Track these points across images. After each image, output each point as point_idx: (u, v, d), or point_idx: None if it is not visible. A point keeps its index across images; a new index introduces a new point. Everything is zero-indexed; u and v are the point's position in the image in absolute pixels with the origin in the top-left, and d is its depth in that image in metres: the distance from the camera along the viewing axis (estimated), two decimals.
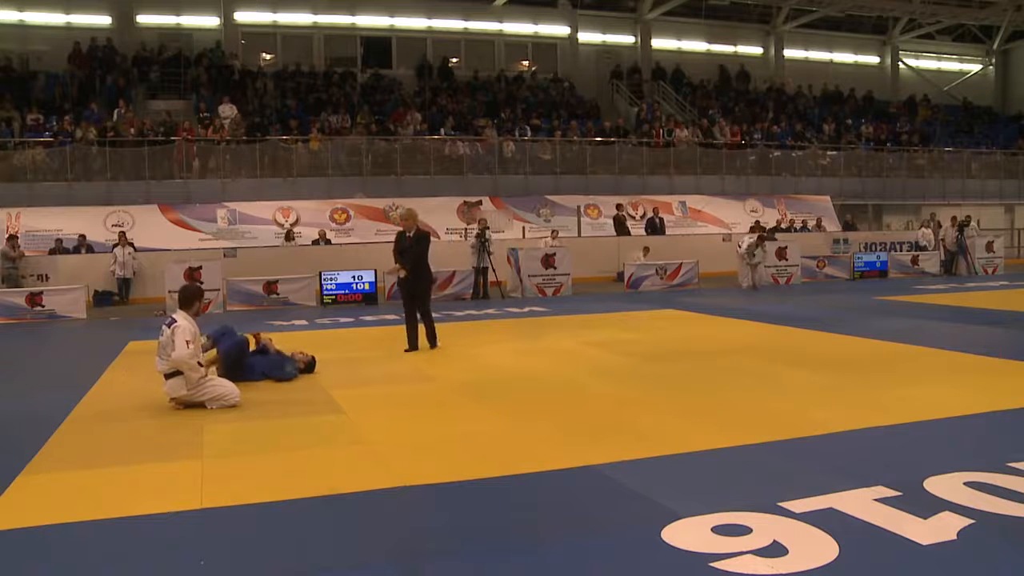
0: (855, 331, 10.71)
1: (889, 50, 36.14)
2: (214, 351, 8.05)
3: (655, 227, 22.45)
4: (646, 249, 19.78)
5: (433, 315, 10.21)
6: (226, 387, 7.18)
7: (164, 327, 7.18)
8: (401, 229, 10.14)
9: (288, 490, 4.65)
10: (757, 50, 34.11)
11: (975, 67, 38.01)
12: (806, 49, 34.77)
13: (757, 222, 19.94)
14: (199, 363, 7.10)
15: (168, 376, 7.02)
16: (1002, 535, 3.76)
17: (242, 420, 6.57)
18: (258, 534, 4.10)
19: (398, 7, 29.00)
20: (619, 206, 23.08)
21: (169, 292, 15.56)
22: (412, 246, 9.82)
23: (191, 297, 7.43)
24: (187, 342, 6.94)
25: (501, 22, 30.36)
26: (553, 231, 20.59)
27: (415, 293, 9.97)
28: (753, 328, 11.60)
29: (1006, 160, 31.52)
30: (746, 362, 8.65)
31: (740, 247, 18.39)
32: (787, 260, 19.52)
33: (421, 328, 10.01)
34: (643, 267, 18.98)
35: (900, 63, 36.42)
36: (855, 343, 9.91)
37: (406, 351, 9.81)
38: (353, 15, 28.73)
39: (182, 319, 7.13)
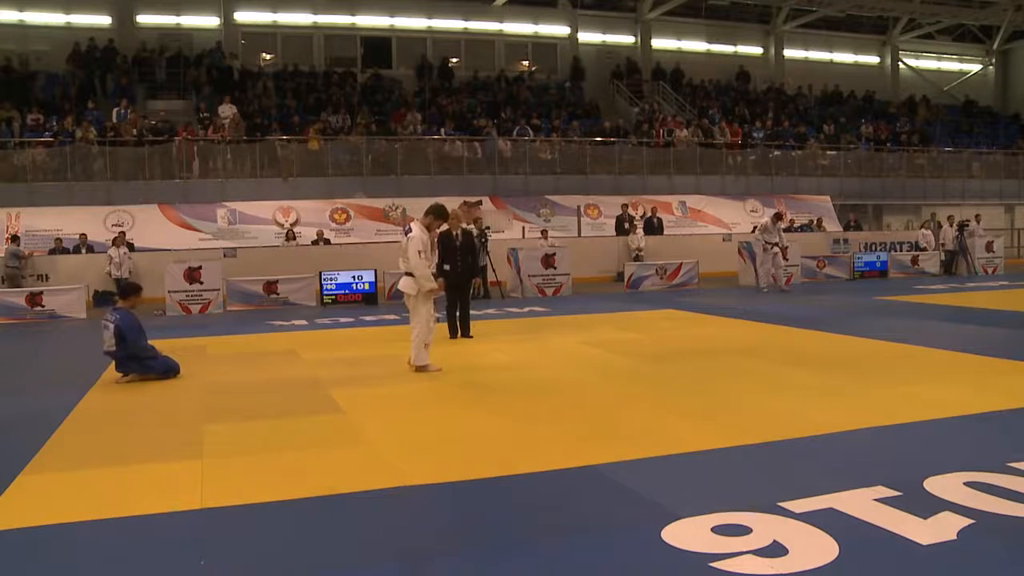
0: (855, 331, 10.70)
1: (889, 50, 36.15)
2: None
3: (653, 227, 22.54)
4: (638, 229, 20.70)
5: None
6: (429, 326, 8.39)
7: (403, 235, 8.58)
8: (446, 229, 10.67)
9: (288, 490, 4.65)
10: (757, 50, 34.12)
11: (975, 67, 38.02)
12: (806, 49, 34.78)
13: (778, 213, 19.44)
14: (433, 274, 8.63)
15: (406, 274, 8.46)
16: (1002, 535, 3.75)
17: (242, 420, 6.58)
18: (258, 534, 4.10)
19: (398, 7, 29.01)
20: (624, 206, 23.11)
21: (169, 292, 15.59)
22: (463, 243, 11.08)
23: (431, 211, 8.67)
24: (419, 252, 8.29)
25: (501, 22, 30.37)
26: (543, 231, 20.65)
27: (463, 287, 11.18)
28: (753, 328, 11.59)
29: (1006, 160, 31.50)
30: (746, 362, 8.65)
31: (758, 237, 17.80)
32: (787, 260, 19.49)
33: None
34: (643, 267, 19.01)
35: (900, 63, 36.43)
36: (855, 343, 9.90)
37: (451, 338, 10.85)
38: (353, 15, 28.75)
39: (417, 229, 8.43)
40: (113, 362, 8.51)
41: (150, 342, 8.58)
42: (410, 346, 8.62)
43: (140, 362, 8.38)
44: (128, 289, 9.00)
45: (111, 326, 8.31)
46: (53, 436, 6.10)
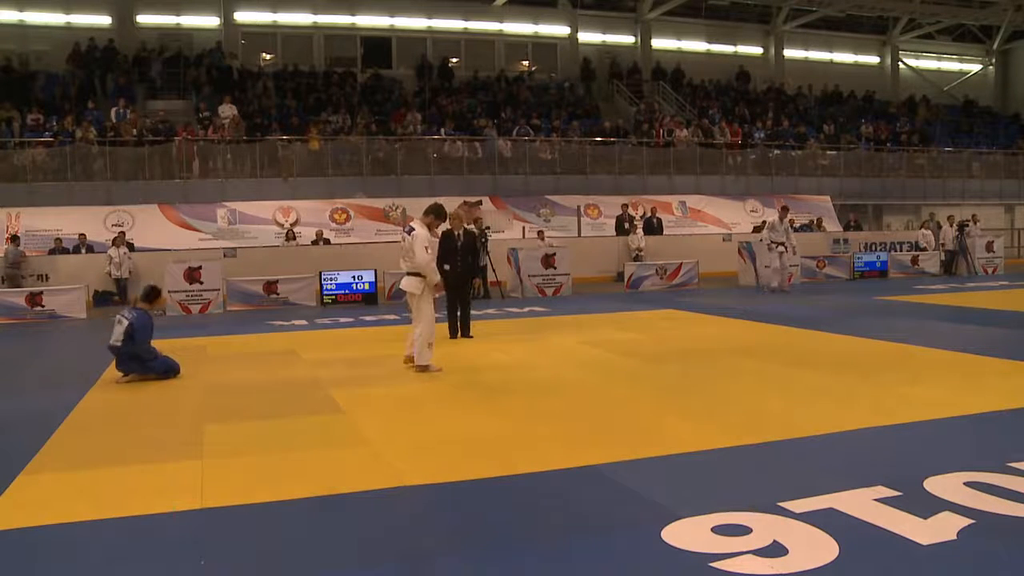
0: (855, 331, 10.70)
1: (889, 50, 36.16)
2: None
3: (652, 227, 22.53)
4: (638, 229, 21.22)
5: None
6: (432, 323, 8.35)
7: (405, 234, 8.51)
8: (449, 228, 10.73)
9: (288, 490, 4.65)
10: (757, 50, 34.13)
11: (975, 67, 38.02)
12: (806, 49, 34.78)
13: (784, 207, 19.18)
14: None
15: (408, 274, 8.42)
16: (1002, 535, 3.76)
17: (242, 420, 6.58)
18: (258, 534, 4.10)
19: (398, 7, 29.01)
20: (624, 206, 23.12)
21: (169, 292, 15.58)
22: (464, 244, 11.08)
23: (432, 211, 8.70)
24: (425, 248, 8.25)
25: (501, 22, 30.38)
26: (539, 231, 20.65)
27: (464, 286, 11.19)
28: (753, 328, 11.59)
29: (1006, 160, 31.50)
30: (746, 362, 8.65)
31: (763, 238, 17.51)
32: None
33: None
34: (643, 267, 19.01)
35: (900, 63, 36.44)
36: (855, 343, 9.90)
37: (451, 338, 10.80)
38: (353, 15, 28.75)
39: (420, 227, 8.39)
40: (113, 361, 8.52)
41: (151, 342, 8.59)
42: (406, 345, 8.64)
43: (141, 363, 8.39)
44: (151, 294, 9.02)
45: (125, 323, 8.35)
46: (53, 436, 6.10)
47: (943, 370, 8.09)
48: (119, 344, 8.33)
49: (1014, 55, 37.97)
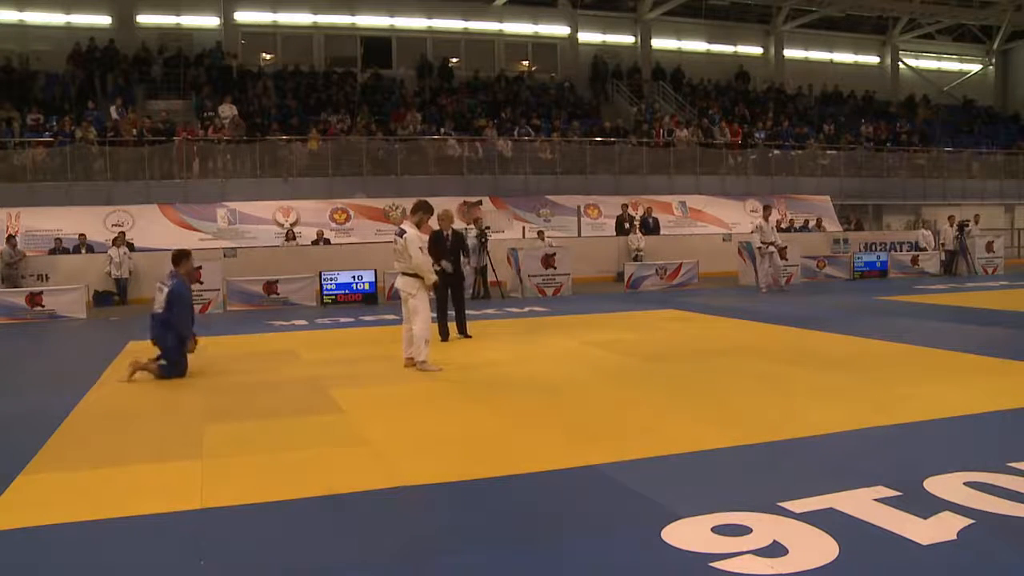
0: (855, 331, 10.70)
1: (889, 50, 36.17)
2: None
3: (648, 227, 22.56)
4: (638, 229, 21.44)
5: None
6: (428, 320, 8.50)
7: (396, 237, 8.53)
8: (438, 229, 10.74)
9: (288, 490, 4.65)
10: (757, 50, 34.14)
11: (975, 67, 38.03)
12: (806, 49, 34.80)
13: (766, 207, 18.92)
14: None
15: (403, 274, 8.49)
16: (1002, 535, 3.75)
17: (242, 420, 6.57)
18: (258, 534, 4.10)
19: (398, 7, 29.03)
20: (624, 206, 23.13)
21: None
22: (453, 244, 10.97)
23: (419, 208, 8.76)
24: (420, 248, 8.36)
25: (501, 22, 30.39)
26: (539, 232, 20.66)
27: (455, 287, 11.05)
28: (753, 328, 11.59)
29: (1006, 160, 31.52)
30: (746, 362, 8.65)
31: (756, 239, 17.37)
32: (786, 260, 19.48)
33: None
34: (643, 267, 19.01)
35: (900, 63, 36.45)
36: (855, 343, 9.90)
37: (443, 341, 10.46)
38: (353, 15, 28.77)
39: (410, 228, 8.43)
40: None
41: None
42: (403, 347, 8.68)
43: (171, 335, 8.38)
44: (177, 256, 8.83)
45: (165, 290, 8.45)
46: (53, 436, 6.09)
47: (943, 370, 8.08)
48: (160, 311, 8.41)
49: (1014, 55, 37.98)
